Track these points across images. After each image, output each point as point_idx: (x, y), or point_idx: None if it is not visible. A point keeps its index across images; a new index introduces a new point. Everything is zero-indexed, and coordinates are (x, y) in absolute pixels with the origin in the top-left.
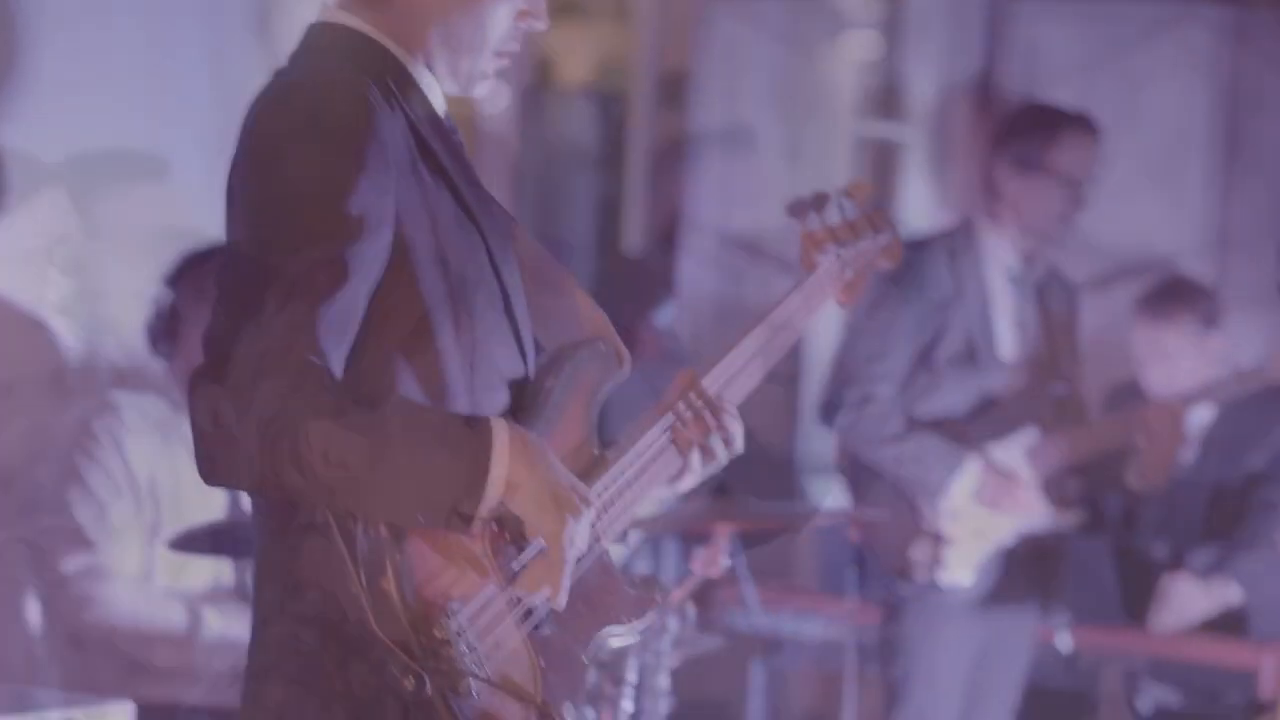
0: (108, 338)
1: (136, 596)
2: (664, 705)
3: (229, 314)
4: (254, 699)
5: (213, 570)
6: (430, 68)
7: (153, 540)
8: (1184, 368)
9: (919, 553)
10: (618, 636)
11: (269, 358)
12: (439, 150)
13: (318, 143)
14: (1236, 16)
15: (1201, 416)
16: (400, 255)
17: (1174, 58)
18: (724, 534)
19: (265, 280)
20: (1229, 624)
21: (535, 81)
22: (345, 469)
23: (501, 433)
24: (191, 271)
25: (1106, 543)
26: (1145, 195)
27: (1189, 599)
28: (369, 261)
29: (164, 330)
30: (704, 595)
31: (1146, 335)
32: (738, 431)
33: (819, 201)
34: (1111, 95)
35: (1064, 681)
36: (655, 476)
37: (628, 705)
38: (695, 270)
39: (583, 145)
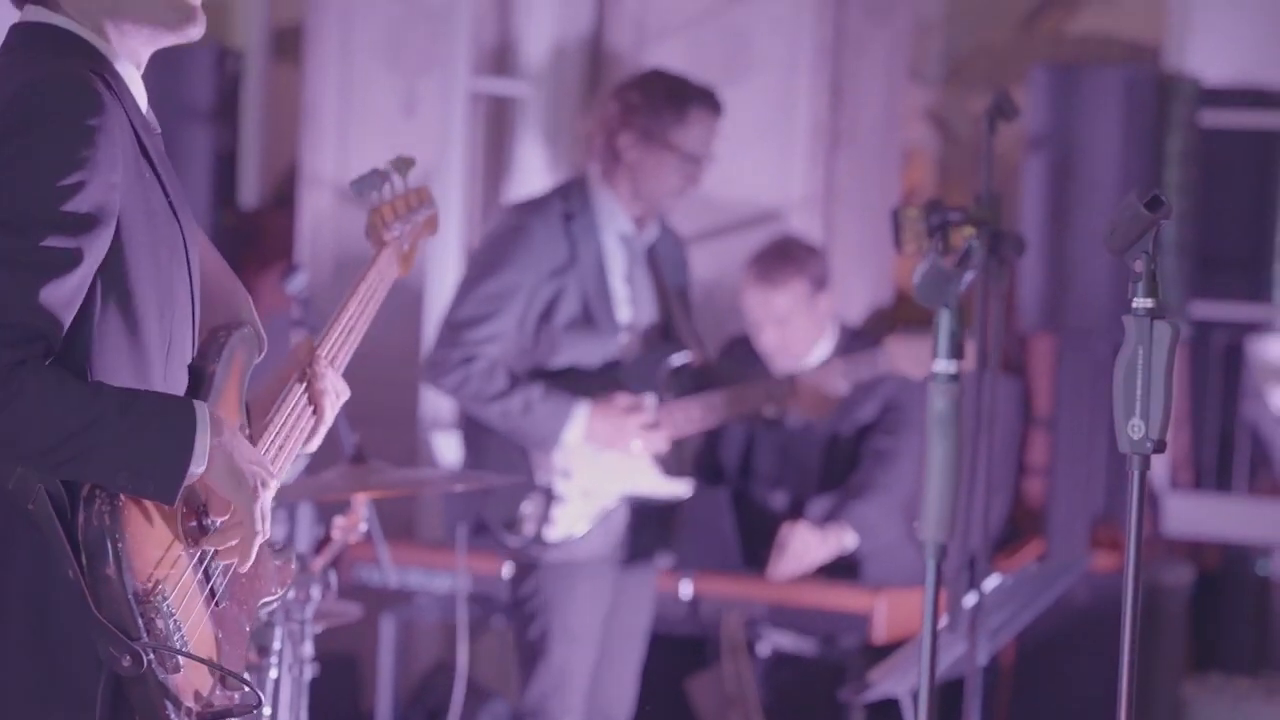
0: None
1: None
2: (309, 672)
3: None
4: None
5: None
6: (133, 61)
7: None
8: (796, 329)
9: (528, 508)
10: (267, 606)
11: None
12: (149, 147)
13: (59, 137)
14: None
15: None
16: (120, 244)
17: (779, 11)
18: (362, 500)
19: (5, 257)
20: (843, 570)
21: None
22: (63, 436)
23: (202, 409)
24: None
25: (725, 493)
26: (754, 149)
27: (806, 546)
28: (97, 251)
29: None
30: (340, 558)
31: (758, 299)
32: (346, 393)
33: (380, 179)
34: (719, 49)
35: (686, 628)
36: (297, 441)
37: (273, 674)
38: (314, 225)
39: (197, 99)
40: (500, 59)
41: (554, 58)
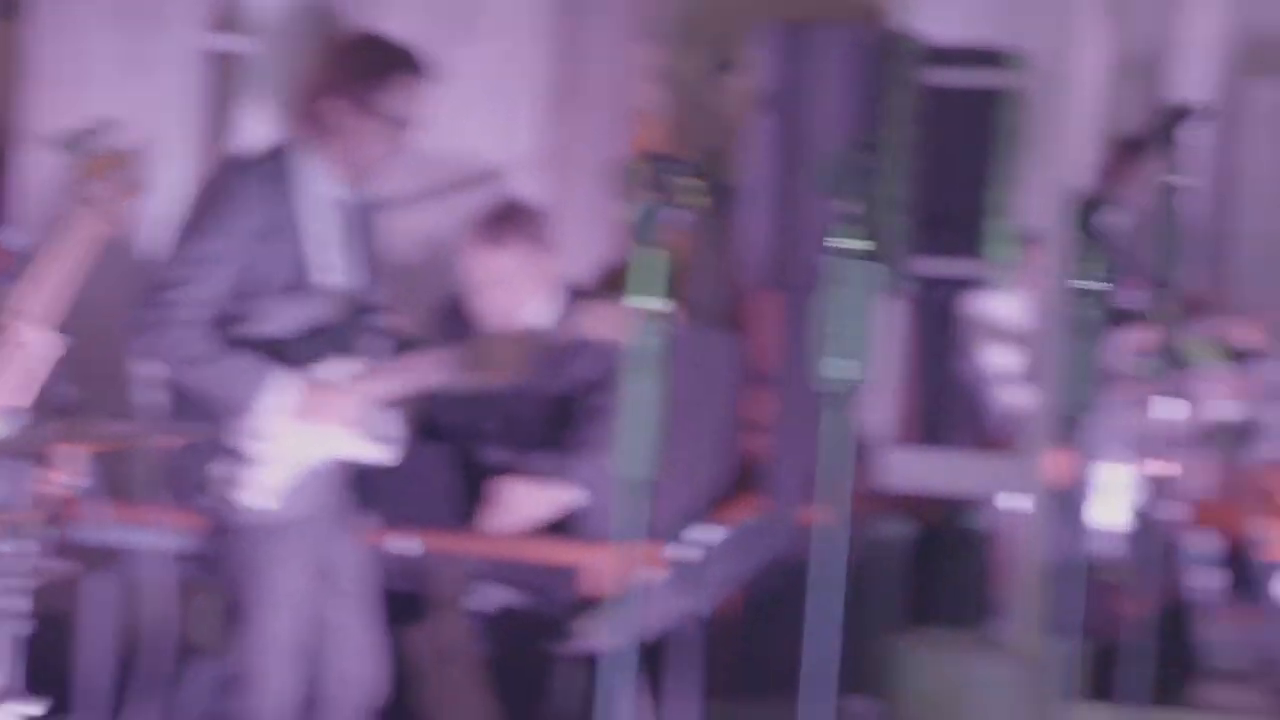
0: None
1: None
2: (22, 628)
3: None
4: None
5: None
6: None
7: None
8: (517, 290)
9: (217, 470)
10: None
11: None
12: None
13: None
14: None
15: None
16: None
17: None
18: (73, 454)
19: None
20: (565, 526)
21: None
22: None
23: None
24: None
25: (445, 450)
26: (480, 109)
27: (524, 502)
28: None
29: None
30: (56, 515)
31: (480, 261)
32: (54, 348)
33: (84, 137)
34: (449, 6)
35: (403, 584)
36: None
37: None
38: (37, 185)
39: None
40: (229, 16)
41: (284, 15)
